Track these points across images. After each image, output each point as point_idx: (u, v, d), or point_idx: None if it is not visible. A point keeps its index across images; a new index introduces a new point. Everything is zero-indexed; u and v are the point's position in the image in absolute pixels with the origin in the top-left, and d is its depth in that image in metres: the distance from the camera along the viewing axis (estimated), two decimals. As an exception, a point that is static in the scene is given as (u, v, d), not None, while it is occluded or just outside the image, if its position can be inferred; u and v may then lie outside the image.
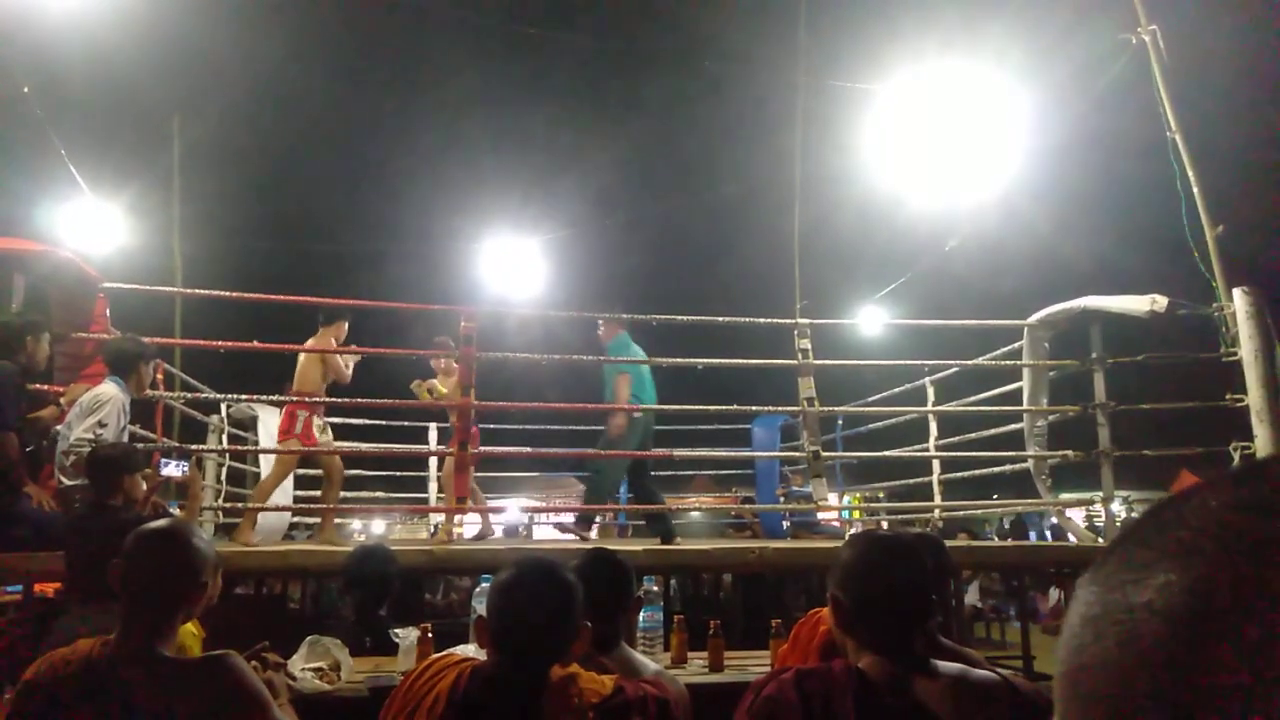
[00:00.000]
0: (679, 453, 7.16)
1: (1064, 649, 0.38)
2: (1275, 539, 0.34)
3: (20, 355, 4.20)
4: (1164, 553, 0.36)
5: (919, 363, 6.73)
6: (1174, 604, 0.34)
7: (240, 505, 7.05)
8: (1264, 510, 0.36)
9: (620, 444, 5.65)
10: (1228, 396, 4.97)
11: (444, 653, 1.99)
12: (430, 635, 3.15)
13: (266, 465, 7.00)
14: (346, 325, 5.59)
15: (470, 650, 2.39)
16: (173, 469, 5.59)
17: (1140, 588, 0.35)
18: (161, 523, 2.08)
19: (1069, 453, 5.68)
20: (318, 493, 7.67)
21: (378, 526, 12.48)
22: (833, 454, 7.77)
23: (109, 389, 4.18)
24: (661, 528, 5.65)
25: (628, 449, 5.66)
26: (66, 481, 4.00)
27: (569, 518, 12.82)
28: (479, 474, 8.40)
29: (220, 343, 5.36)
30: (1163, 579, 0.35)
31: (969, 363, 6.44)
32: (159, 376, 5.22)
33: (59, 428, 4.25)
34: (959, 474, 6.78)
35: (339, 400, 5.82)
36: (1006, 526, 16.05)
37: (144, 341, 4.52)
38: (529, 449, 7.69)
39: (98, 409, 4.07)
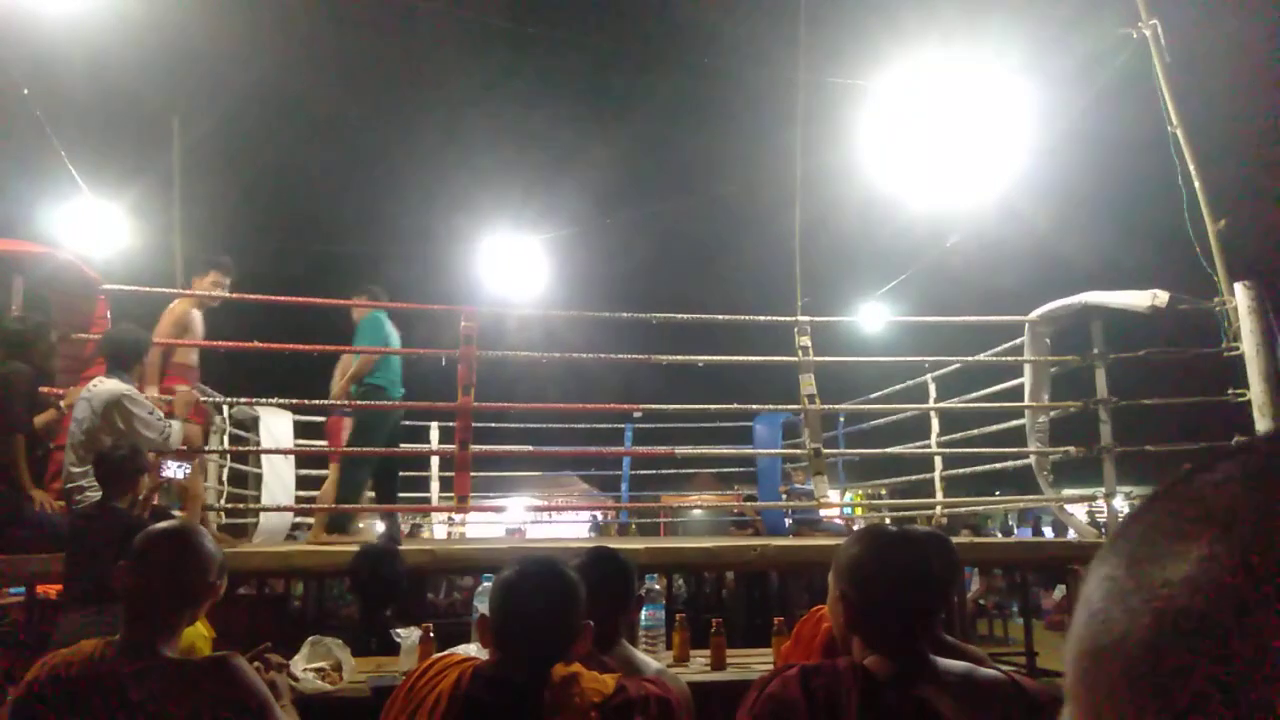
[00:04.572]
0: (681, 450, 7.17)
1: (1086, 627, 0.36)
2: None
3: (36, 356, 4.19)
4: (1202, 521, 0.34)
5: (920, 359, 6.72)
6: (1219, 576, 0.32)
7: (243, 506, 7.07)
8: None
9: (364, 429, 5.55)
10: (1230, 391, 4.96)
11: (446, 652, 1.98)
12: (432, 635, 3.15)
13: (269, 466, 7.01)
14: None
15: (472, 649, 2.39)
16: (173, 471, 5.57)
17: (1178, 560, 0.34)
18: (169, 524, 2.08)
19: (1071, 449, 5.68)
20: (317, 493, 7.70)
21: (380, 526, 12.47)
22: (834, 451, 7.77)
23: (119, 386, 4.10)
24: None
25: (377, 442, 5.49)
26: (70, 484, 3.99)
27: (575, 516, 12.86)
28: (480, 473, 8.42)
29: (220, 343, 5.37)
30: (1204, 550, 0.33)
31: (970, 359, 6.44)
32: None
33: (71, 428, 4.24)
34: (961, 470, 6.78)
35: (342, 404, 5.83)
36: (1011, 523, 16.04)
37: (143, 332, 4.48)
38: (530, 447, 7.70)
39: (135, 404, 4.06)
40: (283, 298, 5.50)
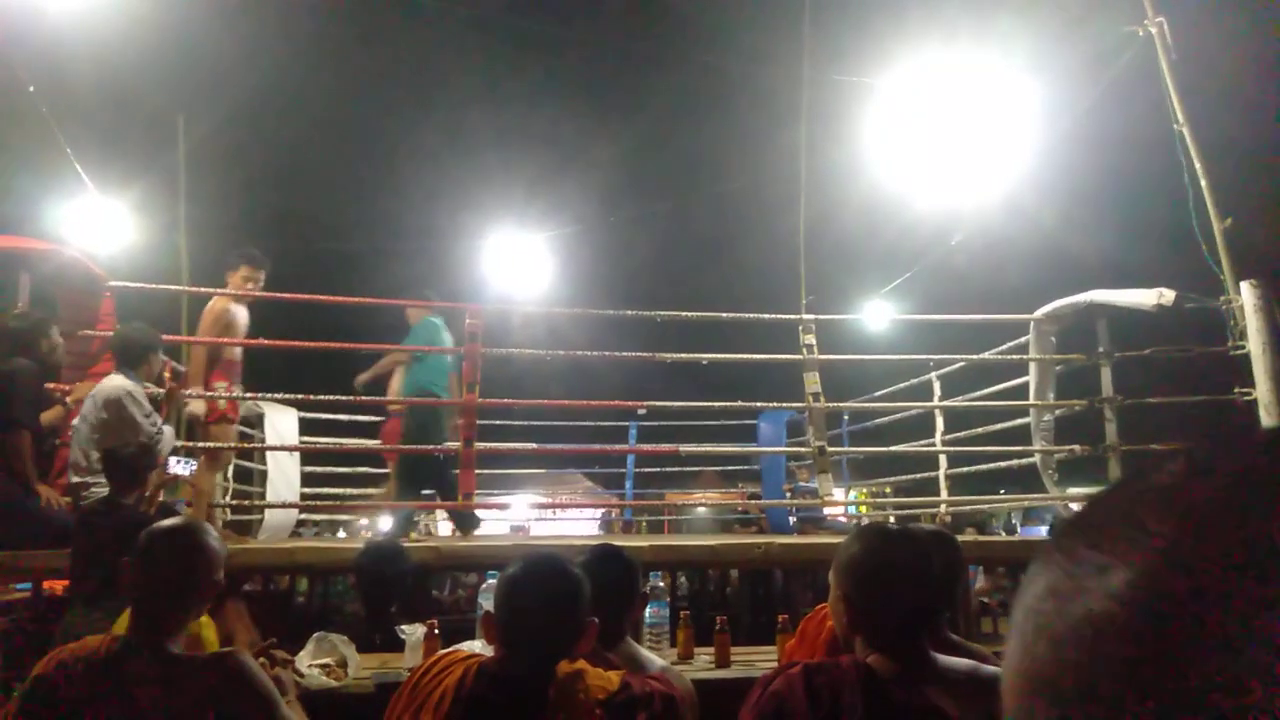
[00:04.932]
0: (685, 448, 7.16)
1: (1016, 656, 0.37)
2: (1223, 506, 0.33)
3: (39, 352, 4.21)
4: (1118, 554, 0.34)
5: (925, 357, 6.72)
6: (1134, 607, 0.33)
7: (248, 503, 7.08)
8: (1210, 475, 0.35)
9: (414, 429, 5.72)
10: (1235, 390, 4.95)
11: (451, 649, 1.99)
12: (437, 631, 3.16)
13: (274, 463, 7.01)
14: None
15: (477, 646, 2.39)
16: (180, 467, 5.59)
17: (1097, 598, 0.34)
18: (175, 521, 2.09)
19: (1076, 447, 5.67)
20: (326, 489, 7.71)
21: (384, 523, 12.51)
22: (839, 449, 7.76)
23: (123, 383, 4.11)
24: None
25: (433, 439, 5.66)
26: (76, 479, 4.01)
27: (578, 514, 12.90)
28: (484, 470, 8.44)
29: (227, 340, 5.37)
30: (1120, 577, 0.33)
31: (975, 357, 6.42)
32: (166, 374, 5.23)
33: (75, 422, 4.25)
34: (965, 469, 6.77)
35: (344, 398, 5.85)
36: (1015, 522, 15.99)
37: (152, 330, 4.49)
38: (534, 445, 7.70)
39: (132, 404, 4.06)
40: (287, 295, 5.51)
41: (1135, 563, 0.34)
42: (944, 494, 6.84)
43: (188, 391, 5.03)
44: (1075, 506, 6.26)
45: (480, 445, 5.28)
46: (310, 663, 2.93)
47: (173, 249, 8.43)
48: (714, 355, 5.76)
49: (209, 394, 5.04)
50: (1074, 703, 0.33)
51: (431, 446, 5.62)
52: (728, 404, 6.09)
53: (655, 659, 2.20)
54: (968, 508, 8.30)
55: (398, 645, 3.27)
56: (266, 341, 5.44)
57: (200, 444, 5.10)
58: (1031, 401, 5.80)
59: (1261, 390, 4.71)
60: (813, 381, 5.59)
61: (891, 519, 8.19)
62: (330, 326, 6.00)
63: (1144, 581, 0.33)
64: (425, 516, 7.67)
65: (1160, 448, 5.41)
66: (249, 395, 5.89)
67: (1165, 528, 0.34)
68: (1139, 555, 0.34)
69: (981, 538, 8.05)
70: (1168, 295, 4.94)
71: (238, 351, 5.29)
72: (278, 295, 5.51)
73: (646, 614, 3.34)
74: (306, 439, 7.50)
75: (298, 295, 5.53)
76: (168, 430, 4.24)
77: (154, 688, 1.77)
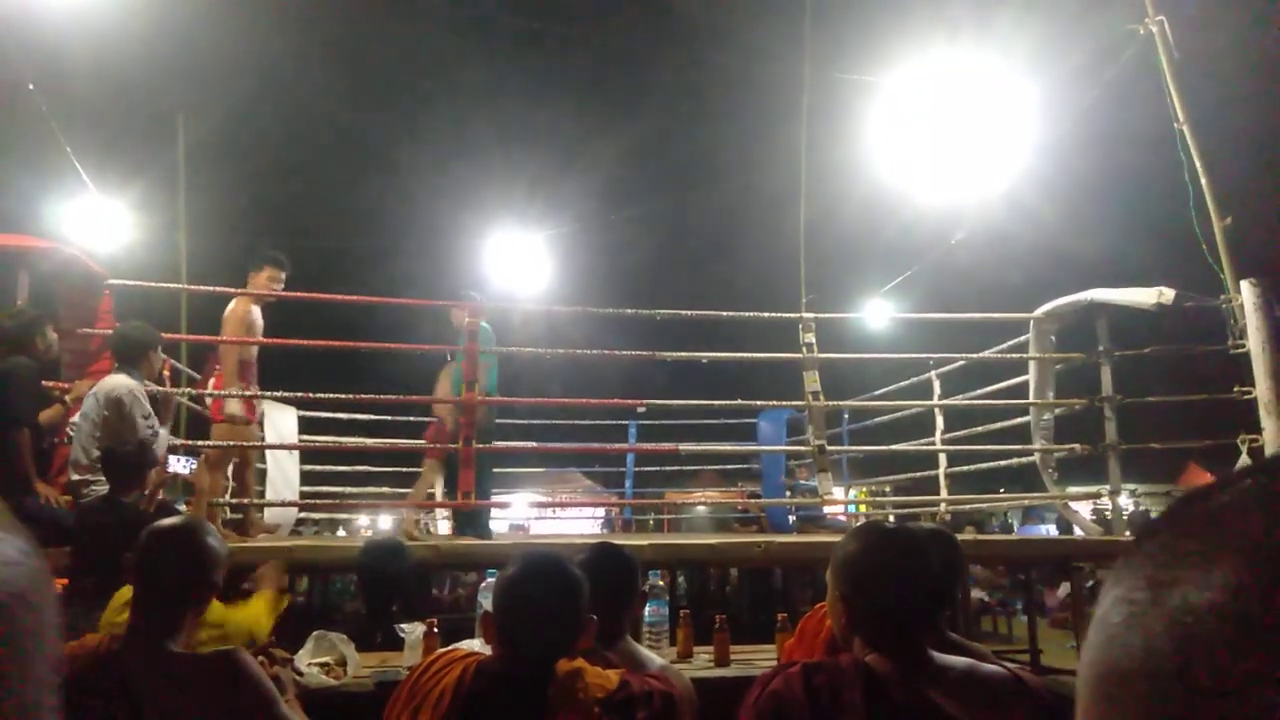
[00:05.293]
0: (685, 447, 7.17)
1: (1105, 649, 0.36)
2: None
3: (35, 350, 4.21)
4: (1221, 547, 0.34)
5: (925, 356, 6.72)
6: (1244, 604, 0.32)
7: (247, 501, 7.08)
8: None
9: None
10: (1235, 389, 4.94)
11: (450, 648, 1.99)
12: (436, 630, 3.16)
13: (274, 462, 7.02)
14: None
15: (476, 645, 2.39)
16: (179, 465, 5.60)
17: (1199, 586, 0.33)
18: (175, 520, 2.09)
19: (1075, 446, 5.67)
20: (325, 487, 7.70)
21: (384, 522, 12.52)
22: (839, 448, 7.76)
23: (125, 381, 4.10)
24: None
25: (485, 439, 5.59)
26: (77, 476, 4.00)
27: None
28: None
29: (226, 339, 5.38)
30: (1227, 577, 0.32)
31: (975, 356, 6.42)
32: (165, 372, 5.23)
33: (75, 420, 4.25)
34: (965, 468, 6.78)
35: (344, 396, 5.85)
36: (1012, 521, 15.99)
37: (151, 328, 4.49)
38: (534, 443, 7.70)
39: (134, 403, 4.05)
40: (287, 293, 5.50)
41: (1242, 554, 0.33)
42: (944, 493, 6.84)
43: (203, 391, 5.05)
44: (1073, 504, 6.26)
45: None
46: (309, 661, 2.94)
47: (172, 247, 8.44)
48: (714, 354, 5.77)
49: (215, 393, 5.05)
50: (1167, 694, 0.32)
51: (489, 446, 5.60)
52: (727, 403, 6.10)
53: (654, 657, 2.19)
54: (967, 506, 8.30)
55: (397, 644, 3.27)
56: (265, 340, 5.43)
57: (201, 442, 5.11)
58: (1031, 400, 5.80)
59: (1261, 389, 4.70)
60: (812, 380, 5.59)
61: (891, 518, 8.20)
62: (328, 324, 6.00)
63: (1251, 573, 0.32)
64: (425, 515, 7.68)
65: (1160, 446, 5.41)
66: (254, 395, 5.90)
67: (1275, 546, 0.33)
68: (1247, 548, 0.33)
69: (981, 536, 8.07)
70: (1167, 294, 4.94)
71: (254, 352, 5.31)
72: (280, 294, 5.50)
73: (646, 612, 3.34)
74: (306, 438, 7.50)
75: (300, 294, 5.53)
76: (163, 432, 4.23)
77: (153, 686, 1.77)
